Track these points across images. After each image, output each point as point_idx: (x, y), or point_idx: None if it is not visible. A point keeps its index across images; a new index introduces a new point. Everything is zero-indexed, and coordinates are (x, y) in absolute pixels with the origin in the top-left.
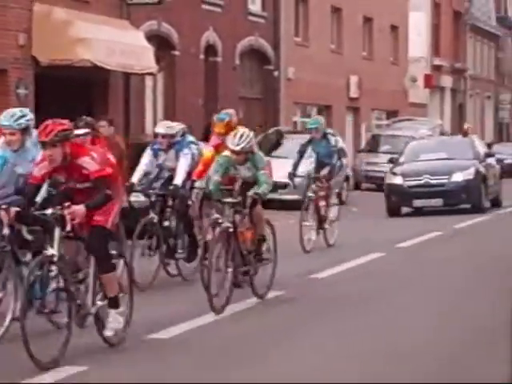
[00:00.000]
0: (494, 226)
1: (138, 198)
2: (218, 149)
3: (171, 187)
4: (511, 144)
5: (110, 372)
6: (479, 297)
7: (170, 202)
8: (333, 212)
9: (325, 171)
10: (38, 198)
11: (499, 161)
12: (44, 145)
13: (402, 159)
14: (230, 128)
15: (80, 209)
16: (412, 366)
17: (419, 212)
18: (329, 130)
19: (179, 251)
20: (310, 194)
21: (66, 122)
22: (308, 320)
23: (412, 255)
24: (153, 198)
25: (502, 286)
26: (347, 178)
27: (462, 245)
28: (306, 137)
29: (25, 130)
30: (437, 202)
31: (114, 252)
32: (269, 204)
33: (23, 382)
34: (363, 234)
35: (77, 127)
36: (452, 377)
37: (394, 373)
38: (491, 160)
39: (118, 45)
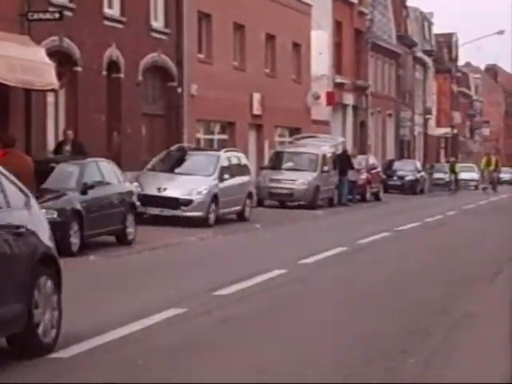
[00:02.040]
0: (394, 243)
1: None
2: None
3: None
4: (412, 161)
5: None
6: (367, 313)
7: None
8: None
9: None
10: None
11: (400, 178)
12: None
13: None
14: None
15: None
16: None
17: (322, 226)
18: None
19: None
20: None
21: None
22: (214, 337)
23: (314, 272)
24: None
25: (391, 304)
26: (250, 195)
27: (362, 261)
28: (210, 153)
29: None
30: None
31: None
32: (169, 221)
33: None
34: (267, 250)
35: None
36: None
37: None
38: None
39: (18, 61)
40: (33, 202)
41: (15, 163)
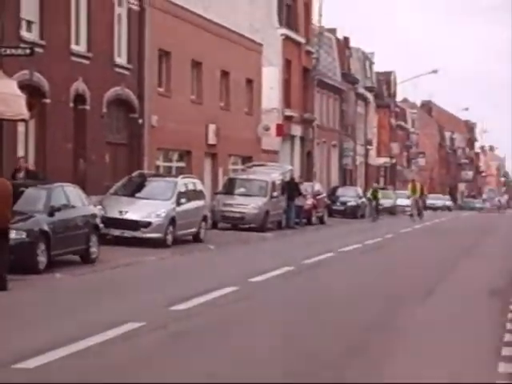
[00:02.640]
0: (337, 263)
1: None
2: None
3: None
4: (354, 188)
5: None
6: (309, 328)
7: None
8: None
9: None
10: None
11: (343, 203)
12: None
13: None
14: None
15: None
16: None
17: (271, 248)
18: None
19: None
20: None
21: None
22: (169, 348)
23: (262, 289)
24: None
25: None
26: (205, 218)
27: (307, 280)
28: (168, 179)
29: None
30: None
31: None
32: (131, 241)
33: None
34: (220, 269)
35: None
36: None
37: None
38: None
39: None
40: None
41: None
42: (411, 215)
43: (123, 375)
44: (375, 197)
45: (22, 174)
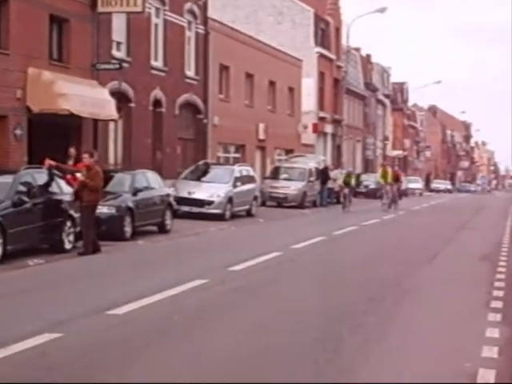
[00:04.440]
0: (361, 234)
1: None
2: None
3: None
4: (374, 174)
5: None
6: (338, 284)
7: None
8: None
9: None
10: None
11: (365, 186)
12: None
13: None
14: None
15: None
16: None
17: (309, 221)
18: None
19: None
20: None
21: None
22: (228, 300)
23: (302, 254)
24: None
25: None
26: (256, 198)
27: (336, 246)
28: (227, 167)
29: None
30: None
31: None
32: (197, 215)
33: None
34: (268, 238)
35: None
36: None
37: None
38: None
39: (89, 98)
40: None
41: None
42: (383, 204)
43: (194, 319)
44: (347, 183)
45: (71, 162)
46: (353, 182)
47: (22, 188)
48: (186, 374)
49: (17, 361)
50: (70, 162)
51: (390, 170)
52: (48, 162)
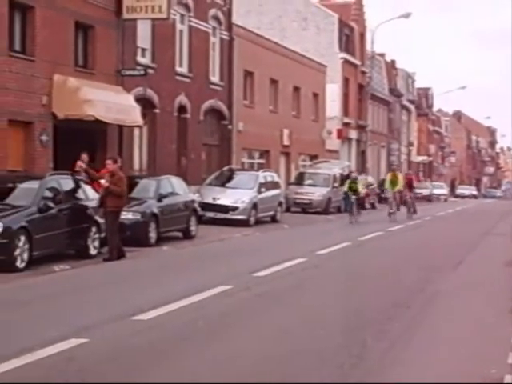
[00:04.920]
0: (385, 240)
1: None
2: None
3: None
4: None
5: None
6: (363, 290)
7: None
8: None
9: None
10: None
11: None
12: None
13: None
14: None
15: None
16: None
17: (333, 227)
18: None
19: None
20: None
21: None
22: (252, 306)
23: (326, 260)
24: None
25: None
26: (280, 203)
27: (360, 253)
28: (251, 173)
29: None
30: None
31: None
32: (222, 221)
33: None
34: (292, 244)
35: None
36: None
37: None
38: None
39: (114, 104)
40: None
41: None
42: (389, 213)
43: (218, 325)
44: (354, 190)
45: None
46: (360, 188)
47: (48, 194)
48: (211, 379)
49: (44, 365)
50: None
51: (400, 176)
52: (80, 163)
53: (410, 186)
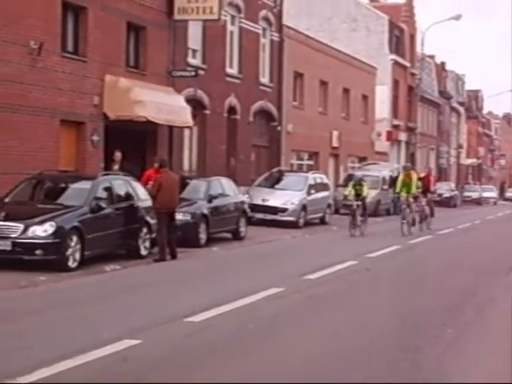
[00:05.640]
0: (434, 243)
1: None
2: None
3: None
4: (447, 182)
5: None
6: (415, 294)
7: None
8: None
9: None
10: None
11: (439, 195)
12: None
13: None
14: None
15: None
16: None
17: (383, 229)
18: None
19: None
20: None
21: None
22: (304, 308)
23: (377, 263)
24: None
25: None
26: (329, 205)
27: (411, 256)
28: (301, 175)
29: None
30: None
31: None
32: (271, 223)
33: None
34: (342, 246)
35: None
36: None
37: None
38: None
39: (164, 105)
40: None
41: (168, 179)
42: (402, 223)
43: (269, 327)
44: (358, 194)
45: (116, 167)
46: (365, 192)
47: (100, 194)
48: (262, 379)
49: (97, 367)
50: (116, 167)
51: (415, 177)
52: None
53: (426, 188)
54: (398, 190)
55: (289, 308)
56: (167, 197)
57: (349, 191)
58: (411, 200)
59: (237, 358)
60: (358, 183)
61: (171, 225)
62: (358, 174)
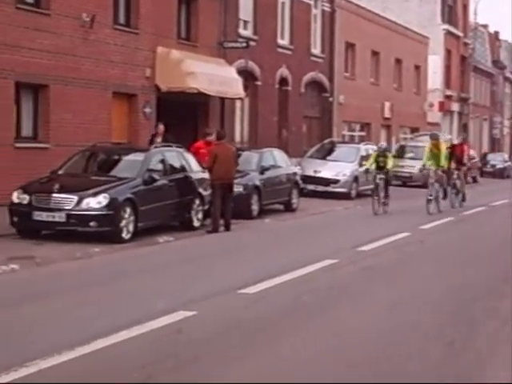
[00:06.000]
0: (489, 214)
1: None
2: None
3: None
4: (501, 153)
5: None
6: (469, 266)
7: None
8: None
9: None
10: None
11: (492, 166)
12: None
13: None
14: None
15: None
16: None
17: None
18: None
19: None
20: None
21: None
22: (358, 280)
23: (430, 235)
24: None
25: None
26: None
27: (463, 228)
28: (352, 146)
29: None
30: None
31: None
32: (322, 194)
33: None
34: (394, 217)
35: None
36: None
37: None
38: None
39: (216, 77)
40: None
41: (224, 151)
42: (428, 200)
43: (324, 299)
44: (381, 167)
45: (159, 139)
46: (390, 164)
47: (153, 166)
48: (320, 354)
49: (153, 337)
50: (159, 140)
51: (443, 147)
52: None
53: (459, 160)
54: (424, 161)
55: (343, 280)
56: (223, 168)
57: (370, 164)
58: (440, 174)
59: (290, 332)
60: (383, 154)
61: (227, 196)
62: (383, 144)
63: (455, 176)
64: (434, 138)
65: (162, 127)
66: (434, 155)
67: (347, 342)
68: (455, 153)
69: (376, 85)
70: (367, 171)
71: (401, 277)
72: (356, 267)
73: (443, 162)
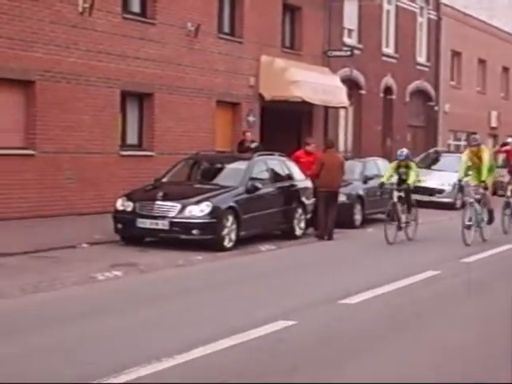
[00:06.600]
0: None
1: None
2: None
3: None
4: None
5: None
6: None
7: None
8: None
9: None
10: None
11: None
12: None
13: None
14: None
15: None
16: None
17: None
18: None
19: None
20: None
21: None
22: (462, 294)
23: None
24: None
25: None
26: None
27: None
28: (458, 155)
29: None
30: None
31: None
32: (426, 204)
33: None
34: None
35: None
36: None
37: None
38: None
39: (320, 85)
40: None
41: (332, 159)
42: (465, 227)
43: (426, 311)
44: (403, 181)
45: (248, 144)
46: (412, 178)
47: (256, 174)
48: (422, 365)
49: (253, 346)
50: (249, 145)
51: (486, 154)
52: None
53: (510, 169)
54: (461, 175)
55: (446, 293)
56: (329, 177)
57: (387, 177)
58: (482, 191)
59: (390, 344)
60: (405, 164)
61: (331, 205)
62: (403, 151)
63: (509, 193)
64: (474, 144)
65: (249, 134)
66: (475, 166)
67: (446, 354)
68: (504, 160)
69: (482, 93)
70: (382, 185)
71: (504, 291)
72: (459, 279)
73: (485, 176)
